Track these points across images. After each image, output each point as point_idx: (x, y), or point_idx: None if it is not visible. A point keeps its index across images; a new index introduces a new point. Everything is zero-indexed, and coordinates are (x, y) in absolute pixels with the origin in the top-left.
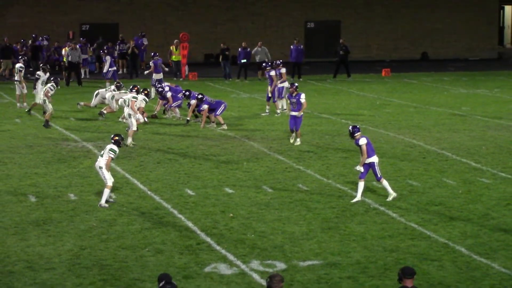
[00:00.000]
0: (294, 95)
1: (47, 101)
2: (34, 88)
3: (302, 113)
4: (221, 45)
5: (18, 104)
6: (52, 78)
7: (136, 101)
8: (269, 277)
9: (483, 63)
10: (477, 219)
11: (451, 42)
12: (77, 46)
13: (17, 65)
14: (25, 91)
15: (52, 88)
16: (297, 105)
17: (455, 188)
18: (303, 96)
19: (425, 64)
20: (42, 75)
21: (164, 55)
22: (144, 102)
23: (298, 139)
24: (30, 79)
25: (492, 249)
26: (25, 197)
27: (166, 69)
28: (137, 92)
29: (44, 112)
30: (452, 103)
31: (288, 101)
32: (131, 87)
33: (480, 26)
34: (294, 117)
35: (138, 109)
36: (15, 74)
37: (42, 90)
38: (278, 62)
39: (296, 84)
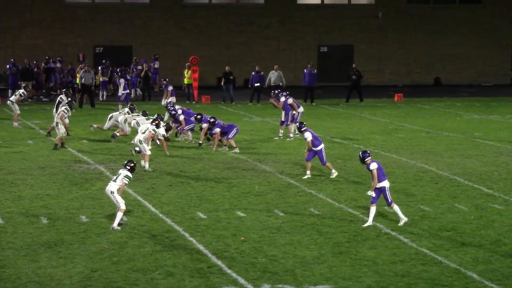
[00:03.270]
0: (301, 133)
1: (59, 125)
2: (57, 111)
3: (321, 147)
4: (226, 68)
5: (15, 123)
6: (66, 102)
7: (153, 134)
8: None
9: (496, 88)
10: (489, 245)
11: (464, 68)
12: (90, 68)
13: (22, 91)
14: (17, 111)
15: (66, 111)
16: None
17: (467, 213)
18: (306, 135)
19: (438, 89)
20: (64, 99)
21: (178, 78)
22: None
23: (333, 172)
24: (44, 101)
25: (504, 275)
26: (37, 218)
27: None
28: (157, 126)
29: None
30: (465, 128)
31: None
32: (152, 119)
33: (493, 52)
34: (312, 151)
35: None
36: (14, 96)
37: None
38: (284, 93)
39: (303, 123)
